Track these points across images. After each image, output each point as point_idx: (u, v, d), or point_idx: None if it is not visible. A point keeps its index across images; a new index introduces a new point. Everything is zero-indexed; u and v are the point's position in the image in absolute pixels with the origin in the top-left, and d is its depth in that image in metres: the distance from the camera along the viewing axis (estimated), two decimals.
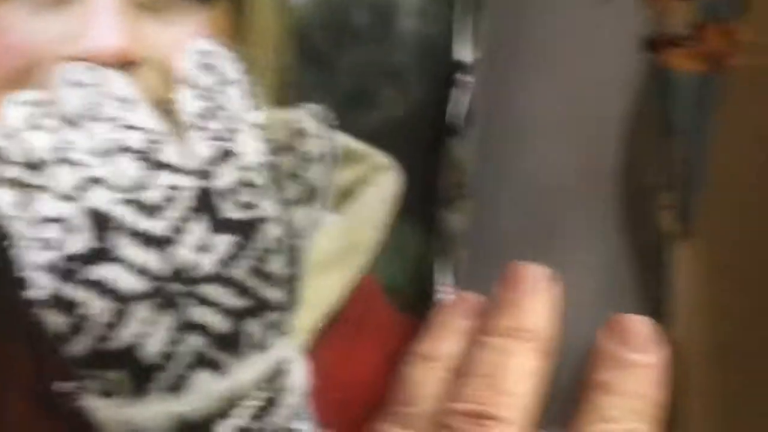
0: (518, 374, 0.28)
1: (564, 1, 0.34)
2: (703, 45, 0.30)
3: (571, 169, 0.32)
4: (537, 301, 0.29)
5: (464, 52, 0.36)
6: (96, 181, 0.29)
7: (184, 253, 0.29)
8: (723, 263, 0.29)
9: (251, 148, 0.31)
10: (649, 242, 0.30)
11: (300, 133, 0.32)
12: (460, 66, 0.35)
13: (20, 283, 0.27)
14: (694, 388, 0.29)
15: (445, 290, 0.32)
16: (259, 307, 0.29)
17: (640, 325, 0.29)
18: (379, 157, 0.35)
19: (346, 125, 0.34)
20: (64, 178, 0.29)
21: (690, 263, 0.29)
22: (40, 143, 0.29)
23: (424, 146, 0.35)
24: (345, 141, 0.34)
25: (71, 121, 0.30)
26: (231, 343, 0.28)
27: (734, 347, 0.28)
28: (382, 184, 0.35)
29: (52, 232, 0.28)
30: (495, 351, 0.28)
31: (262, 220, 0.30)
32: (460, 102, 0.35)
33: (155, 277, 0.28)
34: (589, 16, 0.32)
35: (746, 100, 0.30)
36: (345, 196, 0.34)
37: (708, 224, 0.29)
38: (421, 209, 0.35)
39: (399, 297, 0.34)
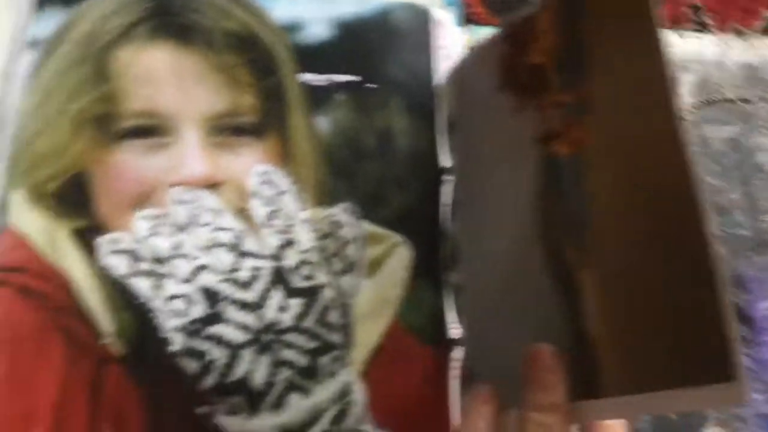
0: None
1: (495, 120, 0.43)
2: (570, 135, 0.37)
3: (512, 233, 0.40)
4: (556, 376, 0.34)
5: (445, 159, 0.48)
6: (203, 267, 0.42)
7: (270, 313, 0.41)
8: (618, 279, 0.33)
9: (305, 237, 0.43)
10: (563, 274, 0.36)
11: (337, 224, 0.45)
12: (444, 170, 0.47)
13: (164, 342, 0.39)
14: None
15: (454, 327, 0.44)
16: (326, 347, 0.41)
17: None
18: (395, 237, 0.45)
19: (368, 216, 0.45)
20: (182, 267, 0.41)
21: (589, 286, 0.34)
22: (161, 245, 0.42)
23: (426, 227, 0.45)
24: (369, 227, 0.45)
25: (181, 228, 0.42)
26: (311, 374, 0.40)
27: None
28: (399, 255, 0.45)
29: (178, 305, 0.40)
30: (540, 427, 0.33)
31: (320, 287, 0.42)
32: (447, 194, 0.47)
33: (253, 331, 0.40)
34: (508, 124, 0.41)
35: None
36: (374, 266, 0.44)
37: (595, 257, 0.34)
38: (430, 270, 0.44)
39: (420, 334, 0.43)
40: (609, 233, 0.33)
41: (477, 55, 0.47)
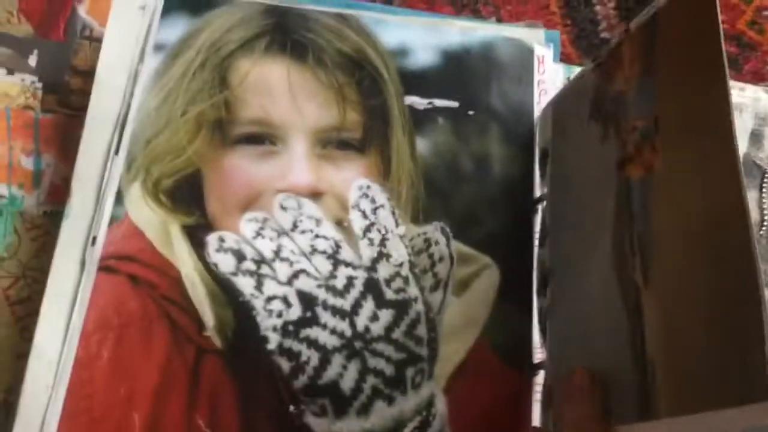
0: None
1: (585, 150, 0.45)
2: (642, 158, 0.37)
3: (595, 256, 0.41)
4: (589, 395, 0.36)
5: (539, 188, 0.49)
6: (302, 272, 0.43)
7: (362, 321, 0.42)
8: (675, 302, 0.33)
9: (399, 252, 0.45)
10: (630, 292, 0.36)
11: (430, 242, 0.46)
12: (537, 198, 0.48)
13: (262, 340, 0.41)
14: None
15: (538, 351, 0.44)
16: (413, 359, 0.42)
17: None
18: (485, 259, 0.46)
19: (460, 237, 0.47)
20: (282, 270, 0.43)
21: (651, 305, 0.34)
22: (265, 247, 0.44)
23: (515, 252, 0.46)
24: (460, 247, 0.46)
25: (284, 232, 0.44)
26: (396, 383, 0.41)
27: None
28: (488, 277, 0.46)
29: (277, 305, 0.42)
30: None
31: (410, 300, 0.44)
32: (538, 222, 0.48)
33: (345, 337, 0.42)
34: (595, 152, 0.42)
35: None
36: (463, 285, 0.45)
37: (658, 276, 0.34)
38: (517, 294, 0.45)
39: (505, 356, 0.44)
40: (668, 254, 0.34)
41: (570, 88, 0.49)
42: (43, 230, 0.46)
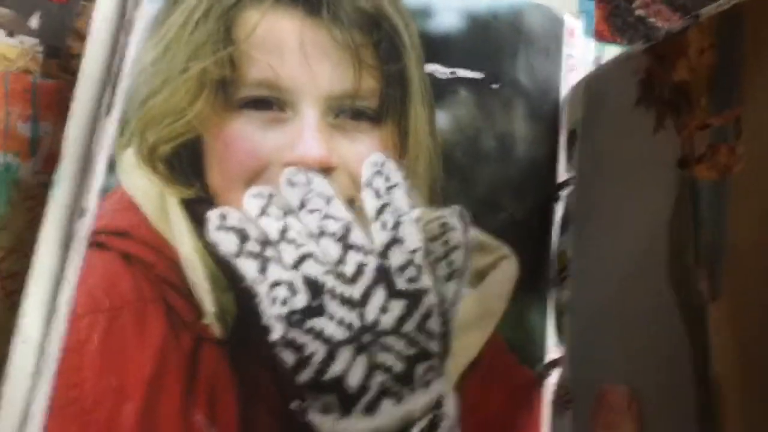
0: None
1: (628, 136, 0.42)
2: (716, 160, 0.35)
3: (635, 256, 0.40)
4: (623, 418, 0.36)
5: (564, 172, 0.46)
6: (309, 256, 0.40)
7: (371, 313, 0.40)
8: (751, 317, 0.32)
9: (413, 237, 0.42)
10: (691, 304, 0.35)
11: (446, 227, 0.43)
12: (561, 183, 0.45)
13: (264, 329, 0.38)
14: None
15: (554, 349, 0.42)
16: (424, 355, 0.40)
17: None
18: (503, 249, 0.43)
19: (479, 223, 0.43)
20: (288, 253, 0.40)
21: (721, 319, 0.33)
22: (270, 226, 0.40)
23: (536, 241, 0.43)
24: (478, 235, 0.43)
25: (291, 211, 0.41)
26: (406, 380, 0.39)
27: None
28: (506, 268, 0.43)
29: (282, 292, 0.39)
30: None
31: (423, 291, 0.41)
32: (561, 209, 0.45)
33: (353, 329, 0.39)
34: (646, 143, 0.40)
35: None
36: (479, 276, 0.42)
37: (731, 288, 0.33)
38: (535, 288, 0.43)
39: (519, 353, 0.42)
40: (748, 265, 0.32)
41: (610, 69, 0.45)
42: (38, 201, 0.42)
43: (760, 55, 0.35)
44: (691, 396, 0.32)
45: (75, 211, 0.39)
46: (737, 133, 0.34)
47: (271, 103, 0.42)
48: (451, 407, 0.40)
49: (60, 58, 0.49)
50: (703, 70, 0.37)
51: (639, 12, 0.57)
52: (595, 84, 0.45)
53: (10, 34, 0.48)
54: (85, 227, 0.38)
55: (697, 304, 0.34)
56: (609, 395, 0.36)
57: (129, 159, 0.40)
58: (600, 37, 0.53)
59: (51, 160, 0.42)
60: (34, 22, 0.49)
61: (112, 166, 0.40)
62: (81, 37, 0.47)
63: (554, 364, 0.41)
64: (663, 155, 0.38)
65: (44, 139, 0.46)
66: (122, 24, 0.43)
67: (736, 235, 0.33)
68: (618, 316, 0.39)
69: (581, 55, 0.48)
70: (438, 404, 0.40)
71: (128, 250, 0.39)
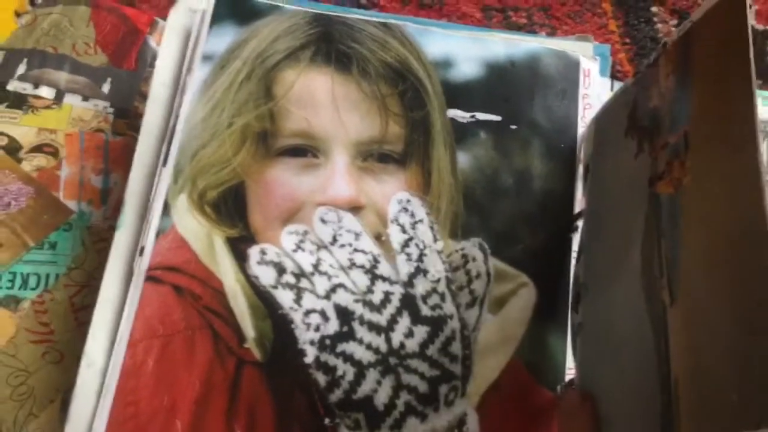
0: None
1: (620, 165, 0.44)
2: (672, 175, 0.37)
3: (621, 273, 0.41)
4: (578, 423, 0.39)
5: (579, 204, 0.49)
6: (340, 286, 0.44)
7: (397, 337, 0.43)
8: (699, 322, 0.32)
9: (436, 268, 0.45)
10: (656, 313, 0.36)
11: (467, 258, 0.46)
12: (576, 214, 0.48)
13: (299, 353, 0.42)
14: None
15: (570, 370, 0.44)
16: (447, 376, 0.43)
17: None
18: (522, 277, 0.46)
19: (498, 253, 0.47)
20: (321, 284, 0.44)
21: (676, 324, 0.34)
22: (304, 260, 0.45)
23: (553, 270, 0.46)
24: (497, 264, 0.47)
25: (323, 246, 0.45)
26: (430, 400, 0.42)
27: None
28: (525, 296, 0.46)
29: (315, 319, 0.43)
30: None
31: (445, 318, 0.44)
32: (576, 239, 0.48)
33: (380, 352, 0.42)
34: (630, 168, 0.42)
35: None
36: (499, 303, 0.46)
37: (683, 294, 0.34)
38: (553, 314, 0.45)
39: (538, 375, 0.44)
40: (694, 274, 0.33)
41: (612, 102, 0.48)
42: (108, 243, 0.47)
43: (704, 75, 0.36)
44: (656, 397, 0.34)
45: (135, 250, 0.45)
46: (685, 148, 0.36)
47: (305, 150, 0.46)
48: (473, 426, 0.42)
49: (128, 118, 0.56)
50: (668, 94, 0.39)
51: None
52: (601, 119, 0.49)
53: (86, 98, 0.56)
54: (143, 264, 0.44)
55: (661, 311, 0.35)
56: (564, 399, 0.38)
57: (182, 203, 0.45)
58: (625, 78, 0.56)
59: (119, 207, 0.48)
60: (105, 87, 0.57)
61: (166, 210, 0.45)
62: (146, 98, 0.52)
63: (571, 384, 0.44)
64: (641, 177, 0.40)
65: (114, 189, 0.53)
66: (177, 87, 0.49)
67: (686, 245, 0.35)
68: (613, 333, 0.41)
69: (597, 93, 0.51)
70: (460, 423, 0.42)
71: (179, 283, 0.44)
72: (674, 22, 0.61)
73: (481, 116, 0.50)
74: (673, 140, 0.38)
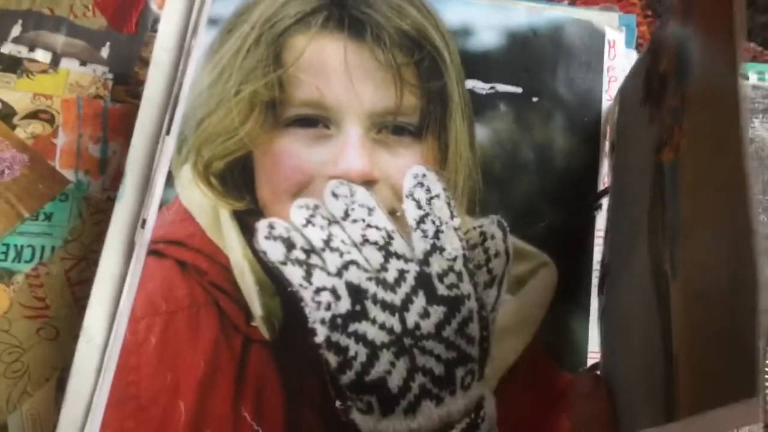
0: None
1: (638, 135, 0.42)
2: (673, 141, 0.35)
3: (634, 248, 0.39)
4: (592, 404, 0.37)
5: (603, 182, 0.47)
6: (352, 263, 0.42)
7: (412, 317, 0.41)
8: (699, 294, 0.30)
9: (453, 245, 0.43)
10: (660, 285, 0.34)
11: (486, 236, 0.44)
12: (600, 192, 0.46)
13: (309, 332, 0.40)
14: None
15: (593, 353, 0.42)
16: (463, 358, 0.41)
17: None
18: (542, 257, 0.44)
19: (517, 231, 0.45)
20: (332, 260, 0.42)
21: (677, 297, 0.32)
22: (315, 235, 0.42)
23: (575, 249, 0.44)
24: (517, 243, 0.44)
25: (335, 221, 0.43)
26: (445, 383, 0.40)
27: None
28: (545, 276, 0.44)
29: (326, 297, 0.41)
30: None
31: (462, 297, 0.42)
32: (602, 218, 0.46)
33: (394, 333, 0.40)
34: (645, 136, 0.39)
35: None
36: (518, 283, 0.44)
37: (682, 264, 0.32)
38: (575, 295, 0.43)
39: (559, 359, 0.42)
40: (692, 244, 0.31)
41: (631, 74, 0.46)
42: (106, 215, 0.45)
43: (706, 32, 0.34)
44: (661, 376, 0.32)
45: (136, 222, 0.42)
46: (683, 112, 0.34)
47: (316, 120, 0.44)
48: (490, 410, 0.41)
49: (128, 84, 0.53)
50: (672, 57, 0.37)
51: None
52: (624, 90, 0.46)
53: (83, 63, 0.53)
54: (145, 237, 0.42)
55: (665, 283, 0.33)
56: (577, 382, 0.37)
57: (186, 174, 0.43)
58: None
59: (118, 178, 0.46)
60: (104, 52, 0.54)
61: (170, 181, 0.43)
62: (146, 64, 0.50)
63: (595, 368, 0.42)
64: (652, 145, 0.38)
65: (112, 158, 0.51)
66: (181, 52, 0.46)
67: (685, 213, 0.33)
68: (623, 311, 0.39)
69: (622, 66, 0.49)
70: (477, 407, 0.41)
71: (183, 258, 0.42)
72: None
73: (501, 88, 0.47)
74: (675, 104, 0.35)
